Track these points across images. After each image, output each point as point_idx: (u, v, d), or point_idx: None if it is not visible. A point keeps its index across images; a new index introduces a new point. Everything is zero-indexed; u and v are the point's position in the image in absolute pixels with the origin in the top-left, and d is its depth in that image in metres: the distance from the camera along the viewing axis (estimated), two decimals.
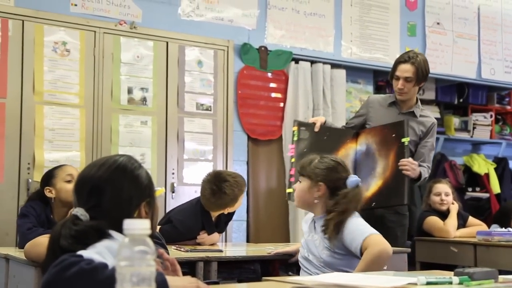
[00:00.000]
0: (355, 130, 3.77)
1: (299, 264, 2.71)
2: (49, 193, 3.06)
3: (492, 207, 5.91)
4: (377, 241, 2.47)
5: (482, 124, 6.14)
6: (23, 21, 4.04)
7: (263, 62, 4.88)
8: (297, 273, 2.75)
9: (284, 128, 4.94)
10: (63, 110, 4.10)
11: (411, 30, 5.59)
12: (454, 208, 4.42)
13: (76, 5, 4.23)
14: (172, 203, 4.27)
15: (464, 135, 6.08)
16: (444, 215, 4.41)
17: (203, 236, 3.34)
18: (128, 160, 1.75)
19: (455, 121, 6.05)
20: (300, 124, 3.64)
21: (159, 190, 1.86)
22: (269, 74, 4.93)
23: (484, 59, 5.91)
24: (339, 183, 2.65)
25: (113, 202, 1.66)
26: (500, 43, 6.01)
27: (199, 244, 3.33)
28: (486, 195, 5.99)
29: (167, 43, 4.50)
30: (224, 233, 4.45)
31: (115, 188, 1.67)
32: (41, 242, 2.25)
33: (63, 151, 4.07)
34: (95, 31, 4.25)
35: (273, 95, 4.97)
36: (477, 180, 6.05)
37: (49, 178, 3.12)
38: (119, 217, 1.59)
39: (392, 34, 5.47)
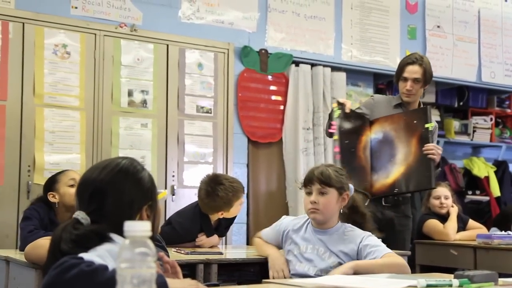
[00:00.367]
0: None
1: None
2: (53, 198, 3.07)
3: (492, 210, 5.90)
4: (398, 256, 2.54)
5: (482, 127, 6.15)
6: (23, 23, 4.04)
7: (263, 65, 4.89)
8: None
9: (284, 131, 4.94)
10: (64, 112, 4.11)
11: (411, 33, 5.60)
12: (454, 211, 4.42)
13: (76, 7, 4.24)
14: (173, 206, 4.27)
15: (464, 138, 6.08)
16: (444, 218, 4.41)
17: (201, 238, 3.34)
18: (130, 163, 1.74)
19: (455, 124, 6.06)
20: (338, 102, 3.56)
21: (162, 193, 1.85)
22: (270, 77, 4.94)
23: (484, 62, 5.91)
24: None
25: (114, 206, 1.65)
26: (500, 46, 6.02)
27: (199, 246, 3.33)
28: (486, 198, 5.99)
29: (167, 45, 4.50)
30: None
31: (116, 192, 1.67)
32: (41, 244, 2.25)
33: (64, 153, 4.07)
34: (95, 34, 4.25)
35: (273, 97, 4.97)
36: (477, 183, 6.06)
37: (52, 183, 3.13)
38: (120, 220, 1.59)
39: (392, 37, 5.48)
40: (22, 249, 2.73)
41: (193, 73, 4.60)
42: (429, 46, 5.63)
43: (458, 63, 5.77)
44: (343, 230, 2.62)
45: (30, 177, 3.95)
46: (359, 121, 3.65)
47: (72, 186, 3.02)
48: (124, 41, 4.34)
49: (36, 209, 3.06)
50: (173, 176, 4.44)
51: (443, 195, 4.44)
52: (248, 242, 4.74)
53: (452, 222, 4.35)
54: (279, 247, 2.78)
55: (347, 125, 3.54)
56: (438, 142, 6.03)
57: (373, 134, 3.67)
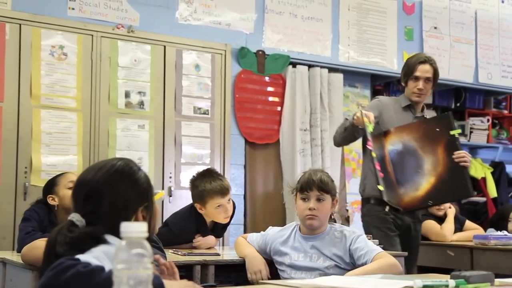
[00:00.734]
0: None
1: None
2: (52, 201, 3.07)
3: (488, 211, 5.91)
4: (389, 256, 2.54)
5: (479, 128, 6.15)
6: (20, 25, 4.04)
7: (260, 66, 4.89)
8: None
9: (282, 132, 4.95)
10: (60, 114, 4.10)
11: (408, 35, 5.60)
12: (451, 212, 4.43)
13: (73, 9, 4.23)
14: (170, 207, 4.27)
15: (461, 139, 6.07)
16: (441, 219, 4.42)
17: (198, 239, 3.34)
18: (125, 164, 1.73)
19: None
20: (366, 116, 3.34)
21: (158, 194, 1.85)
22: (267, 78, 4.94)
23: (481, 63, 5.92)
24: None
25: (109, 207, 1.64)
26: (497, 48, 6.03)
27: (196, 247, 3.33)
28: (483, 199, 6.00)
29: (164, 47, 4.51)
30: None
31: (111, 193, 1.66)
32: (38, 245, 2.25)
33: (60, 155, 4.07)
34: (92, 35, 4.25)
35: (271, 99, 4.97)
36: (474, 184, 6.05)
37: (51, 186, 3.13)
38: (116, 221, 1.59)
39: (389, 39, 5.49)
40: (19, 250, 2.72)
41: (190, 74, 4.60)
42: (426, 47, 5.64)
43: (455, 64, 5.78)
44: (333, 232, 2.64)
45: (27, 178, 3.95)
46: (379, 133, 3.50)
47: (71, 188, 3.02)
48: (121, 42, 4.34)
49: (36, 210, 3.06)
50: (170, 177, 4.44)
51: None
52: None
53: (449, 223, 4.36)
54: (264, 254, 2.75)
55: (374, 142, 3.38)
56: None
57: (390, 146, 3.48)
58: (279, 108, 4.97)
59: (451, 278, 1.79)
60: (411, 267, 3.52)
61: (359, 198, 5.45)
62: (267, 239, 2.76)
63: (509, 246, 3.84)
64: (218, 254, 3.01)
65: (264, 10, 4.95)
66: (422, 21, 5.67)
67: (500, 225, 4.60)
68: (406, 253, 3.21)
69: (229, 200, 3.32)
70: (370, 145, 3.31)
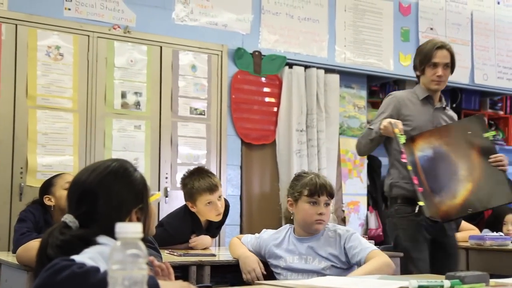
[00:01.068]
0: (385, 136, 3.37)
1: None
2: (49, 201, 3.07)
3: (484, 212, 5.92)
4: (383, 254, 2.55)
5: None
6: (16, 25, 4.03)
7: (257, 66, 4.89)
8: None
9: (278, 132, 4.95)
10: (56, 114, 4.10)
11: (404, 35, 5.61)
12: None
13: (69, 9, 4.23)
14: (166, 208, 4.27)
15: (497, 143, 6.07)
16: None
17: (194, 239, 3.34)
18: (120, 165, 1.73)
19: None
20: (396, 126, 3.17)
21: (154, 195, 1.83)
22: (263, 79, 4.94)
23: (477, 64, 5.93)
24: None
25: (102, 208, 1.64)
26: (493, 49, 6.05)
27: (191, 248, 3.33)
28: None
29: (161, 47, 4.50)
30: (217, 237, 4.46)
31: (104, 194, 1.65)
32: (33, 246, 2.24)
33: (56, 155, 4.06)
34: (88, 36, 4.25)
35: (267, 99, 4.97)
36: None
37: (48, 186, 3.13)
38: (108, 223, 1.59)
39: (385, 39, 5.49)
40: (14, 251, 2.72)
41: (187, 75, 4.60)
42: None
43: None
44: (327, 232, 2.65)
45: (22, 179, 3.94)
46: (407, 144, 3.24)
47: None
48: (117, 42, 4.34)
49: (31, 211, 3.06)
50: (167, 178, 4.43)
51: None
52: None
53: None
54: (258, 257, 2.75)
55: (407, 151, 3.17)
56: None
57: (419, 152, 3.24)
58: (275, 109, 4.97)
59: (446, 278, 1.80)
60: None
61: (355, 199, 5.51)
62: (261, 242, 2.76)
63: (505, 246, 3.85)
64: (214, 255, 3.01)
65: (261, 11, 4.96)
66: (418, 22, 5.68)
67: (496, 227, 4.61)
68: (401, 254, 3.22)
69: (219, 197, 3.33)
70: (404, 158, 3.10)
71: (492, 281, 1.87)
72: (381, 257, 2.49)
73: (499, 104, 6.43)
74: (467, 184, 3.19)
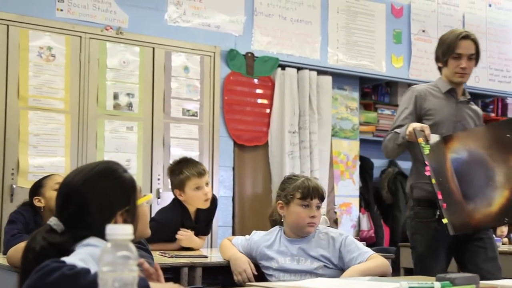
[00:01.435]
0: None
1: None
2: (38, 202, 3.06)
3: None
4: (381, 257, 2.56)
5: None
6: (8, 25, 4.02)
7: (249, 68, 4.89)
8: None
9: (270, 134, 4.95)
10: (48, 115, 4.09)
11: (396, 37, 5.63)
12: None
13: (62, 10, 4.22)
14: (158, 209, 4.25)
15: None
16: None
17: (181, 233, 3.34)
18: (107, 166, 1.72)
19: None
20: (421, 135, 2.91)
21: (144, 197, 1.81)
22: (256, 80, 4.95)
23: None
24: None
25: (85, 210, 1.63)
26: (485, 51, 6.05)
27: (183, 249, 3.33)
28: None
29: (153, 48, 4.50)
30: (209, 239, 4.46)
31: (87, 195, 1.64)
32: (23, 247, 2.24)
33: (48, 156, 4.05)
34: (81, 36, 4.24)
35: (260, 101, 4.98)
36: None
37: (37, 187, 3.11)
38: (92, 224, 1.59)
39: (378, 41, 5.51)
40: (5, 253, 2.71)
41: (179, 76, 4.59)
42: (414, 50, 5.67)
43: None
44: (318, 235, 2.66)
45: (13, 180, 3.93)
46: (438, 144, 2.98)
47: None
48: (110, 44, 4.33)
49: (21, 212, 3.05)
50: (159, 179, 4.43)
51: None
52: None
53: None
54: (249, 258, 2.75)
55: (433, 157, 2.91)
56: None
57: (454, 154, 2.98)
58: (268, 110, 4.97)
59: (437, 280, 1.80)
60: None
61: (347, 200, 5.52)
62: (251, 244, 2.76)
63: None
64: (205, 256, 3.01)
65: (253, 13, 4.96)
66: (411, 24, 5.70)
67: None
68: (393, 255, 3.22)
69: (207, 184, 3.41)
70: (428, 171, 2.84)
71: (482, 283, 1.88)
72: (379, 258, 2.51)
73: (491, 106, 6.46)
74: (504, 192, 2.91)
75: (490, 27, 6.13)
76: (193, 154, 4.57)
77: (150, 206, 4.33)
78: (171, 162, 3.61)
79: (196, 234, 3.44)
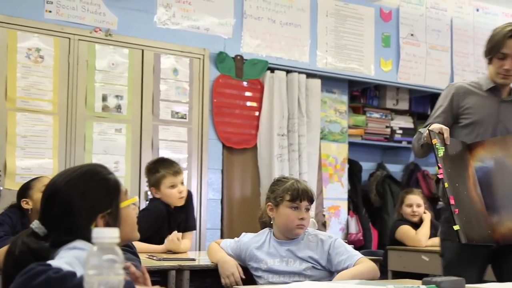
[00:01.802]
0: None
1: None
2: (26, 204, 3.06)
3: None
4: (370, 261, 2.56)
5: None
6: None
7: (238, 71, 4.90)
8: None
9: (259, 137, 4.96)
10: (36, 117, 4.07)
11: (385, 41, 5.66)
12: (427, 217, 4.47)
13: (50, 11, 4.20)
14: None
15: None
16: (417, 224, 4.46)
17: (172, 238, 3.36)
18: (89, 169, 1.70)
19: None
20: (436, 136, 2.70)
21: (129, 200, 1.78)
22: (245, 83, 4.95)
23: (457, 70, 6.00)
24: None
25: (65, 212, 1.61)
26: (472, 55, 6.11)
27: (170, 251, 3.34)
28: None
29: (142, 51, 4.49)
30: (197, 241, 4.46)
31: (68, 197, 1.62)
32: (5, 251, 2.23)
33: (36, 158, 4.03)
34: (69, 38, 4.23)
35: (249, 104, 4.98)
36: None
37: (25, 190, 3.11)
38: (72, 228, 1.58)
39: (366, 45, 5.53)
40: None
41: (168, 78, 4.59)
42: (403, 54, 5.70)
43: (431, 71, 5.85)
44: (307, 237, 2.67)
45: (1, 182, 3.91)
46: (459, 150, 2.79)
47: None
48: (98, 45, 4.32)
49: (8, 215, 3.04)
50: (147, 181, 4.41)
51: (415, 203, 4.49)
52: None
53: (425, 229, 4.40)
54: (238, 260, 2.76)
55: (451, 161, 2.70)
56: (411, 149, 6.12)
57: (478, 162, 2.78)
58: (257, 113, 4.98)
59: (423, 283, 1.82)
60: None
61: (335, 203, 5.53)
62: (241, 246, 2.77)
63: None
64: (193, 259, 3.01)
65: (243, 15, 4.97)
66: (399, 28, 5.73)
67: None
68: (380, 258, 3.23)
69: (182, 183, 3.55)
70: (442, 174, 2.62)
71: (467, 286, 1.89)
72: (368, 262, 2.52)
73: None
74: None
75: (478, 31, 6.17)
76: (182, 157, 4.57)
77: (139, 208, 4.31)
78: (149, 162, 3.73)
79: (183, 230, 3.51)
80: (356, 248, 3.39)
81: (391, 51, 5.65)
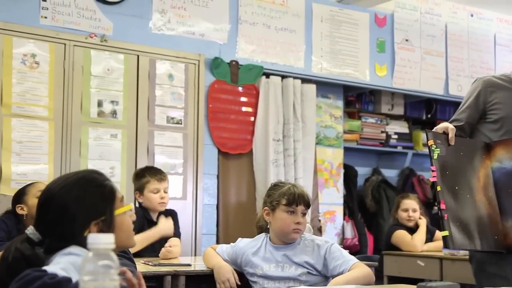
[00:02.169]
0: (468, 128, 2.80)
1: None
2: (21, 210, 3.05)
3: None
4: (365, 266, 2.57)
5: None
6: None
7: (234, 76, 4.91)
8: None
9: (255, 142, 4.96)
10: (32, 122, 4.07)
11: (380, 46, 5.68)
12: (423, 222, 4.48)
13: (46, 17, 4.21)
14: None
15: None
16: (412, 229, 4.47)
17: (169, 248, 3.35)
18: (85, 175, 1.70)
19: (423, 136, 6.15)
20: (435, 136, 2.58)
21: (125, 207, 1.77)
22: (240, 88, 4.96)
23: (451, 75, 6.02)
24: None
25: (59, 218, 1.61)
26: (467, 60, 6.14)
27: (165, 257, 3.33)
28: None
29: (138, 56, 4.50)
30: (193, 247, 4.46)
31: (62, 204, 1.62)
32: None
33: (31, 164, 4.03)
34: (65, 44, 4.23)
35: (244, 109, 4.99)
36: None
37: (20, 195, 3.11)
38: (66, 234, 1.58)
39: (361, 50, 5.55)
40: None
41: (164, 84, 4.59)
42: (398, 59, 5.72)
43: (426, 76, 5.87)
44: (303, 242, 2.67)
45: None
46: (473, 150, 2.65)
47: None
48: (94, 51, 4.33)
49: (4, 220, 3.04)
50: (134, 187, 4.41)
51: (411, 208, 4.50)
52: None
53: (421, 234, 4.41)
54: (234, 265, 2.77)
55: (455, 162, 2.57)
56: (406, 154, 6.14)
57: (496, 163, 2.62)
58: (252, 118, 4.99)
59: None
60: None
61: (331, 208, 5.53)
62: (237, 251, 2.77)
63: None
64: (189, 265, 3.01)
65: (238, 21, 4.98)
66: (394, 34, 5.75)
67: None
68: (376, 263, 3.23)
69: (165, 191, 3.61)
70: (435, 177, 2.49)
71: None
72: (363, 267, 2.53)
73: None
74: None
75: (472, 37, 6.20)
76: (177, 162, 4.57)
77: (135, 213, 4.31)
78: (137, 169, 3.85)
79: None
80: (351, 253, 3.38)
81: (386, 56, 5.67)
